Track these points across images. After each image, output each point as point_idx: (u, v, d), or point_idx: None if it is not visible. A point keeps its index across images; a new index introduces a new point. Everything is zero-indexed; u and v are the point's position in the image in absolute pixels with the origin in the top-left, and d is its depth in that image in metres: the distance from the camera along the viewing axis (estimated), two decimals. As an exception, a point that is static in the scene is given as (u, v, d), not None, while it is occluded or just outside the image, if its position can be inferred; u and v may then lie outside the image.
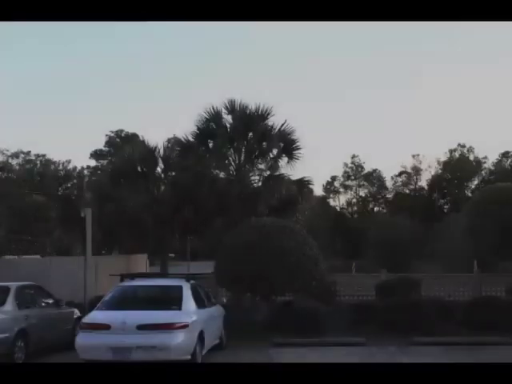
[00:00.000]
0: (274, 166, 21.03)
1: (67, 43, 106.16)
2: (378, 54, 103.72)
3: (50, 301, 14.13)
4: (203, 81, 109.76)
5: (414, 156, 74.99)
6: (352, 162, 74.97)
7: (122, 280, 13.46)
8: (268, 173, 20.93)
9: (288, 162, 21.15)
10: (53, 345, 13.60)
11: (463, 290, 19.92)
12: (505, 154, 73.57)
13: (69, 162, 71.77)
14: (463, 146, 75.81)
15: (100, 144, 73.69)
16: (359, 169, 75.05)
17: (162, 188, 22.82)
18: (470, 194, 66.14)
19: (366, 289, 20.33)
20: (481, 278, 19.89)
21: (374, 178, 75.10)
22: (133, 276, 13.83)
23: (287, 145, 21.08)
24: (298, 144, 21.11)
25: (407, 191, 75.25)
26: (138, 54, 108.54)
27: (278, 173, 20.90)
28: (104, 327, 10.90)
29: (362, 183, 75.56)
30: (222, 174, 21.47)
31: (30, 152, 68.43)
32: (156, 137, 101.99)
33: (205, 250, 68.08)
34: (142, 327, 10.76)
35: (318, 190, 74.33)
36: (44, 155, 69.38)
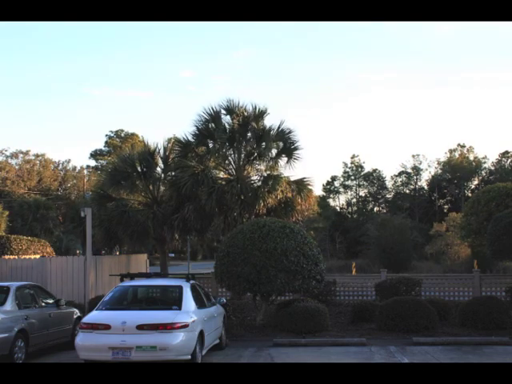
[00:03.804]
0: (273, 166, 21.05)
1: (67, 43, 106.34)
2: (379, 55, 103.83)
3: (50, 301, 14.11)
4: (204, 80, 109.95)
5: (413, 156, 75.11)
6: (352, 162, 74.97)
7: (121, 280, 13.44)
8: (267, 173, 20.93)
9: (287, 162, 21.19)
10: (53, 345, 13.61)
11: (463, 289, 19.94)
12: (505, 154, 73.57)
13: (68, 161, 71.82)
14: (463, 146, 75.85)
15: (100, 144, 73.70)
16: (359, 169, 74.98)
17: (162, 188, 22.81)
18: (469, 194, 66.11)
19: (365, 289, 20.36)
20: (481, 278, 19.89)
21: (374, 177, 75.04)
22: (133, 276, 13.80)
23: (286, 145, 21.09)
24: (297, 144, 21.17)
25: (407, 191, 75.19)
26: (136, 54, 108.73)
27: (277, 173, 20.90)
28: (104, 327, 10.88)
29: (361, 183, 75.50)
30: (221, 174, 21.47)
31: (29, 151, 68.45)
32: (156, 137, 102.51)
33: (205, 250, 68.22)
34: (142, 327, 10.74)
35: (318, 190, 74.40)
36: (43, 155, 69.39)
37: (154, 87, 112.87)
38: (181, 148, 21.67)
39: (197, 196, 20.15)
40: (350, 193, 76.58)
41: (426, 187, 75.34)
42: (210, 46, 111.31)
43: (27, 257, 20.81)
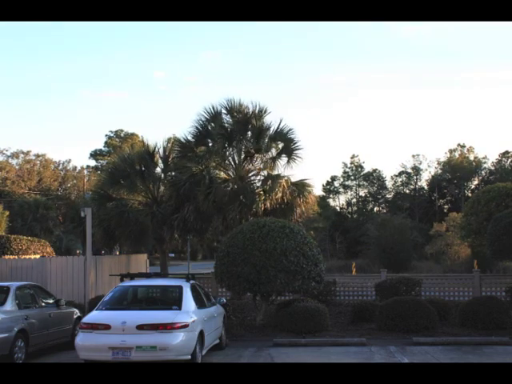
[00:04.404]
0: (272, 165, 21.03)
1: (67, 43, 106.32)
2: (379, 55, 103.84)
3: (50, 301, 14.11)
4: (204, 80, 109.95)
5: (413, 156, 75.11)
6: (352, 162, 74.93)
7: (121, 280, 13.44)
8: (267, 173, 20.92)
9: (288, 162, 21.15)
10: (53, 345, 13.60)
11: (463, 289, 19.94)
12: (505, 154, 73.53)
13: (69, 161, 71.86)
14: (463, 146, 75.83)
15: (100, 144, 73.63)
16: (359, 169, 74.93)
17: (162, 188, 22.81)
18: (469, 194, 66.07)
19: (365, 289, 20.35)
20: (481, 278, 19.88)
21: (374, 177, 75.00)
22: (133, 276, 13.80)
23: (286, 145, 21.07)
24: (297, 144, 21.15)
25: (407, 191, 75.16)
26: (136, 54, 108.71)
27: (277, 172, 20.90)
28: (104, 327, 10.88)
29: (361, 183, 75.45)
30: (221, 174, 21.46)
31: (29, 152, 68.50)
32: (156, 137, 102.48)
33: (205, 250, 68.17)
34: (142, 327, 10.74)
35: (318, 190, 74.37)
36: (44, 155, 69.44)
37: (152, 88, 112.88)
38: (180, 148, 21.67)
39: (196, 196, 20.14)
40: (349, 193, 76.56)
41: (426, 187, 75.32)
42: (206, 46, 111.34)
43: (27, 257, 20.80)
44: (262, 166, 21.12)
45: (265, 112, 21.11)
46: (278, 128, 21.01)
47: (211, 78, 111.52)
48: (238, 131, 20.71)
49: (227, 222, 20.33)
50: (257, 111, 21.01)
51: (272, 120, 21.28)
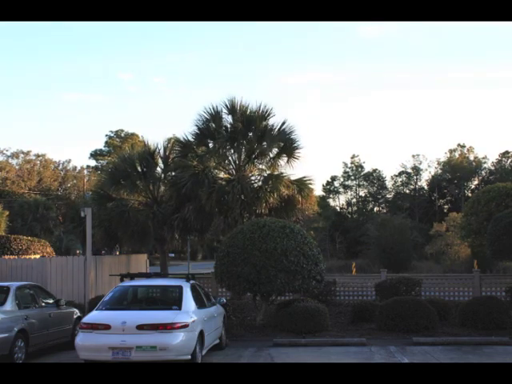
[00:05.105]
0: (273, 165, 21.02)
1: (67, 42, 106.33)
2: (379, 55, 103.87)
3: (50, 301, 14.11)
4: (204, 80, 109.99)
5: (413, 156, 75.11)
6: (352, 162, 74.93)
7: (121, 280, 13.44)
8: (268, 172, 20.92)
9: (288, 162, 21.13)
10: (53, 345, 13.61)
11: (463, 289, 19.94)
12: (505, 154, 73.52)
13: (69, 161, 71.86)
14: (463, 146, 75.82)
15: (100, 144, 73.63)
16: (359, 169, 74.92)
17: (162, 188, 22.80)
18: (469, 194, 66.04)
19: (365, 289, 20.35)
20: (481, 278, 19.88)
21: (374, 177, 74.99)
22: (133, 276, 13.80)
23: (287, 144, 21.04)
24: (297, 144, 21.12)
25: (407, 191, 75.15)
26: (137, 53, 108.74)
27: (277, 172, 20.88)
28: (104, 327, 10.88)
29: (361, 183, 75.44)
30: (222, 174, 21.46)
31: (29, 152, 68.50)
32: (156, 136, 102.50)
33: (205, 250, 68.11)
34: (142, 327, 10.74)
35: (318, 190, 74.34)
36: (44, 155, 69.44)
37: (152, 88, 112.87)
38: (181, 148, 21.65)
39: (197, 196, 20.13)
40: (349, 193, 76.56)
41: (426, 187, 75.32)
42: (205, 46, 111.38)
43: (27, 257, 20.80)
44: (263, 166, 21.12)
45: (269, 114, 20.99)
46: (280, 128, 20.95)
47: (211, 78, 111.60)
48: (240, 132, 20.65)
49: (228, 221, 20.34)
50: (261, 112, 20.91)
51: (274, 120, 21.26)
